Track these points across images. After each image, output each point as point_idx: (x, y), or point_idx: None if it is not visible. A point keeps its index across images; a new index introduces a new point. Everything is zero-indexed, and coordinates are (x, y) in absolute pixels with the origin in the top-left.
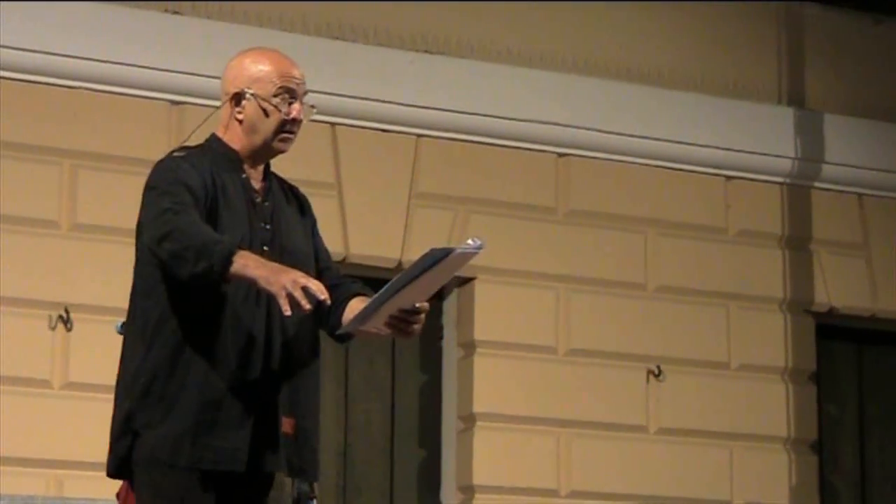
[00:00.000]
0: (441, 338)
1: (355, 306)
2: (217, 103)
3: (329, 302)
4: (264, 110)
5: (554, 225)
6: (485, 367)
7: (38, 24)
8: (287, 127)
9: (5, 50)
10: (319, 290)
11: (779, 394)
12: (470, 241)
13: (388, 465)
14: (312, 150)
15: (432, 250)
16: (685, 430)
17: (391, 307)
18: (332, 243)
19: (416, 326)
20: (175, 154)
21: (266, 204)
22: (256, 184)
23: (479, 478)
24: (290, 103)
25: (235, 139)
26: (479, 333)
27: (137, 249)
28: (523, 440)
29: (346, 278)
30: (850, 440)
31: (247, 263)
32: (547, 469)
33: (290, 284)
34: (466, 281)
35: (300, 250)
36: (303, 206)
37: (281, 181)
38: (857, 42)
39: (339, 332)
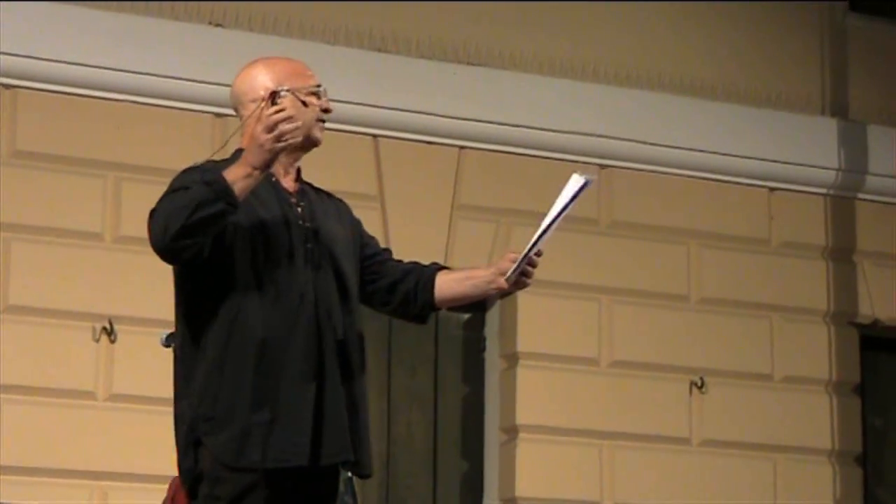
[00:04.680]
0: (484, 349)
1: (447, 277)
2: None
3: (291, 123)
4: (304, 102)
5: (596, 236)
6: (527, 378)
7: (82, 37)
8: (323, 117)
9: (50, 63)
10: (276, 114)
11: (823, 406)
12: (579, 174)
13: (430, 477)
14: (355, 162)
15: (583, 182)
16: (728, 442)
17: (541, 245)
18: None
19: (534, 271)
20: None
21: (302, 203)
22: (288, 186)
23: (521, 490)
24: (320, 95)
25: None
26: (521, 345)
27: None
28: (566, 452)
29: (414, 263)
30: (894, 452)
31: (231, 173)
32: (590, 481)
33: (272, 133)
34: (509, 292)
35: (343, 248)
36: (339, 210)
37: (314, 187)
38: None
39: (507, 276)
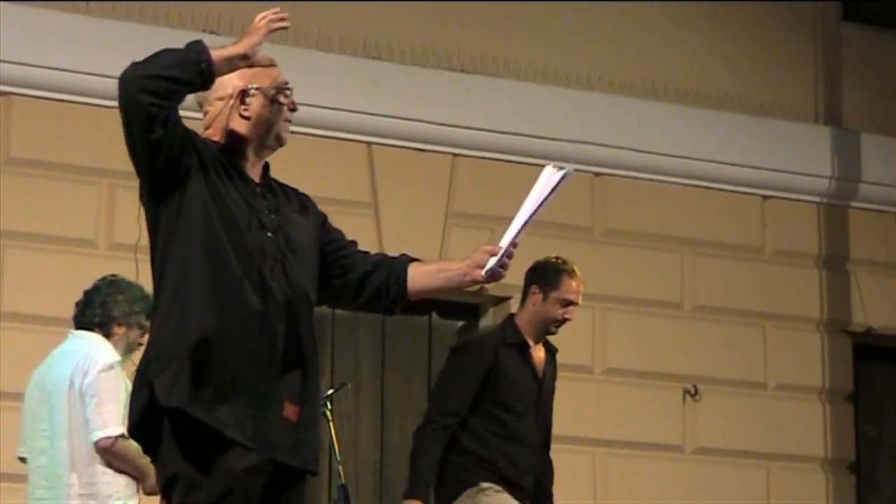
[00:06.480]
0: None
1: (420, 269)
2: None
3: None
4: (272, 101)
5: (590, 244)
6: None
7: (77, 44)
8: (290, 116)
9: (45, 70)
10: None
11: (816, 414)
12: (553, 167)
13: None
14: (349, 169)
15: (562, 174)
16: (722, 450)
17: (519, 238)
18: None
19: (510, 263)
20: None
21: (267, 195)
22: (255, 177)
23: None
24: (287, 94)
25: (235, 138)
26: None
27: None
28: (560, 459)
29: (382, 255)
30: (887, 460)
31: (218, 50)
32: (584, 488)
33: (264, 24)
34: (502, 300)
35: (304, 245)
36: (305, 205)
37: (279, 183)
38: (894, 61)
39: (487, 269)
